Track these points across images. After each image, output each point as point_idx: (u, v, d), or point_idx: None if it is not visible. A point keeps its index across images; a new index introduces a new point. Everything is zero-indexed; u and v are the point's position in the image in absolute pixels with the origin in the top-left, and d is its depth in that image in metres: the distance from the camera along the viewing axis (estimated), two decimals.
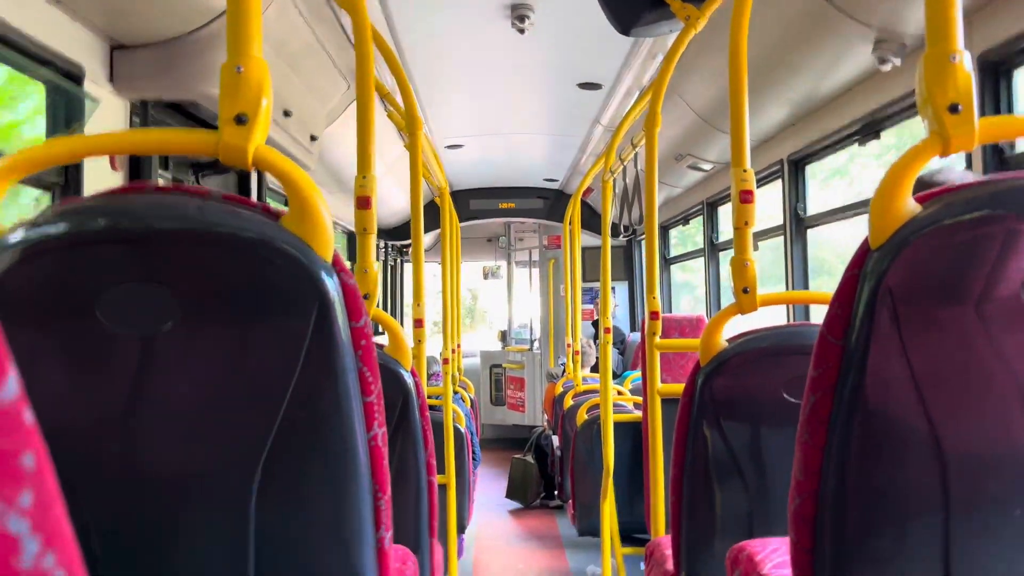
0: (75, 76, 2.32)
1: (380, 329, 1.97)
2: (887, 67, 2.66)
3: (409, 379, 1.90)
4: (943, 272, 1.00)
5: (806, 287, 3.89)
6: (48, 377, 1.00)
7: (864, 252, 1.02)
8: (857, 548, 1.06)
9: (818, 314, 3.82)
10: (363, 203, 1.83)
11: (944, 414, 1.02)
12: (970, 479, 1.04)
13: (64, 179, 2.32)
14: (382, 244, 8.03)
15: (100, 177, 2.41)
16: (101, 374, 1.02)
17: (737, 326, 1.90)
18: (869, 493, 1.06)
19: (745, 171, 1.83)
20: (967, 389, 1.04)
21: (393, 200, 6.85)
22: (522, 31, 3.31)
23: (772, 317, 4.24)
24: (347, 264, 1.08)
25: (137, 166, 2.66)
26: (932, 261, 0.99)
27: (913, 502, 1.05)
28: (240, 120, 1.03)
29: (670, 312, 6.31)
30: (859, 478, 1.05)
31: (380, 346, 1.84)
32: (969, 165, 2.52)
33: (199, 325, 1.00)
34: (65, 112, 2.35)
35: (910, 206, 1.01)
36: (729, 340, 1.81)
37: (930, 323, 1.02)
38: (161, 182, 2.84)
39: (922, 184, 1.85)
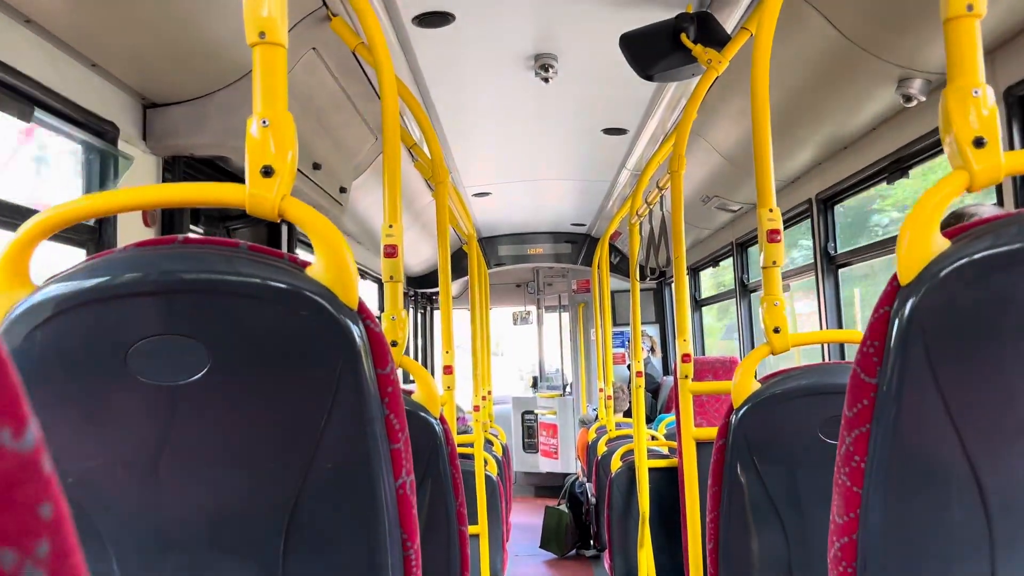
0: (110, 135, 2.38)
1: (411, 376, 1.97)
2: (912, 104, 2.65)
3: (438, 427, 1.89)
4: (975, 307, 0.98)
5: (839, 326, 3.83)
6: (78, 428, 1.00)
7: (894, 289, 1.01)
8: None
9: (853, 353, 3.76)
10: (390, 252, 1.84)
11: (982, 451, 0.99)
12: (1014, 518, 1.01)
13: (98, 236, 2.37)
14: (411, 292, 8.07)
15: (134, 233, 2.46)
16: (131, 424, 1.03)
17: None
18: (910, 535, 1.03)
19: (771, 211, 1.82)
20: (1005, 426, 1.01)
21: (422, 248, 6.90)
22: (546, 80, 3.34)
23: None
24: (375, 312, 1.08)
25: (170, 221, 2.71)
26: (963, 296, 0.98)
27: (956, 544, 1.02)
28: (266, 172, 1.05)
29: (702, 355, 6.24)
30: (899, 520, 1.02)
31: (408, 393, 1.84)
32: (1000, 202, 2.49)
33: (228, 375, 1.01)
34: (100, 170, 2.41)
35: (939, 241, 0.99)
36: (762, 380, 1.79)
37: (964, 359, 1.00)
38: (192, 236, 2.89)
39: (955, 218, 1.83)
